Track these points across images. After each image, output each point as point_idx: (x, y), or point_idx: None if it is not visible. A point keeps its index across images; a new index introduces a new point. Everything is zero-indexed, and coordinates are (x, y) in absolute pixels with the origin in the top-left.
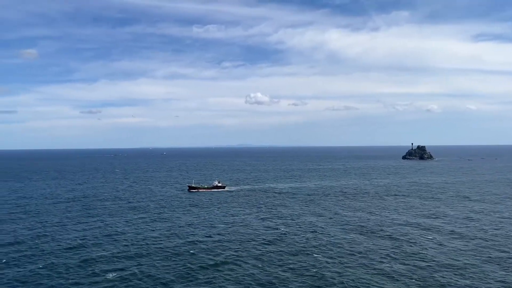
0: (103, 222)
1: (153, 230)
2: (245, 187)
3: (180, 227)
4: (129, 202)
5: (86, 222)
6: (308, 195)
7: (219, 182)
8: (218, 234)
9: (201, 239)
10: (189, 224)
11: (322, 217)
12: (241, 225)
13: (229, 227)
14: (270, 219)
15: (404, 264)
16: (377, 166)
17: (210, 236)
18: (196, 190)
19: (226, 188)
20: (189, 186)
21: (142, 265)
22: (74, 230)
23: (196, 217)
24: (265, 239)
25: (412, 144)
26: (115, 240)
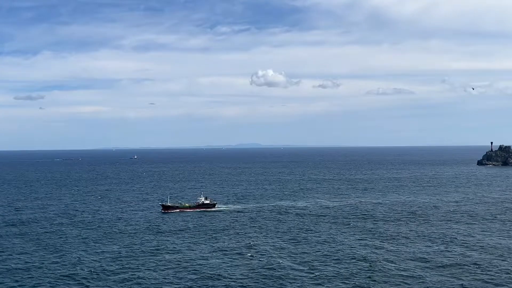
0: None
1: None
2: (247, 205)
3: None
4: (64, 230)
5: None
6: (354, 216)
7: (206, 199)
8: None
9: None
10: (146, 279)
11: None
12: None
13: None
14: (297, 260)
15: None
16: (442, 175)
17: None
18: (173, 211)
19: (217, 207)
20: (163, 205)
21: None
22: None
23: (163, 263)
24: None
25: (491, 143)
26: None
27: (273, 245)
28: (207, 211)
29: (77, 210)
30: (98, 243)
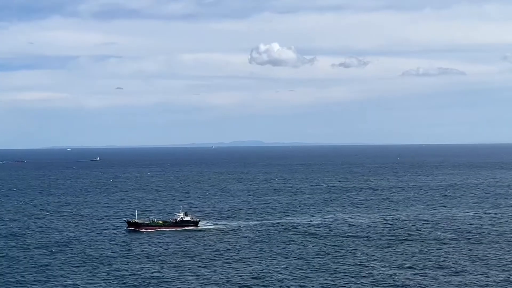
0: None
1: None
2: (244, 222)
3: None
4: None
5: None
6: (392, 236)
7: (186, 215)
8: None
9: None
10: None
11: None
12: None
13: None
14: None
15: None
16: (505, 183)
17: None
18: (142, 230)
19: (201, 225)
20: (128, 222)
21: None
22: None
23: None
24: None
25: None
26: None
27: (285, 274)
28: (187, 230)
29: (25, 228)
30: (50, 272)
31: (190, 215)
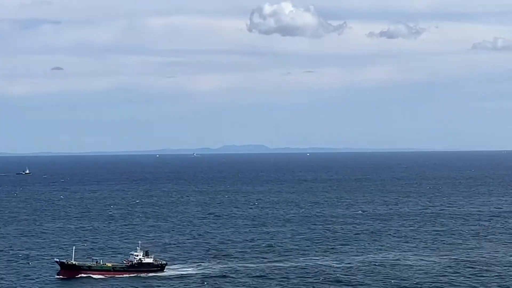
0: None
1: None
2: (235, 265)
3: None
4: None
5: None
6: None
7: (147, 255)
8: None
9: None
10: None
11: None
12: None
13: None
14: None
15: None
16: None
17: None
18: (81, 275)
19: (168, 271)
20: (61, 264)
21: None
22: None
23: None
24: None
25: None
26: None
27: None
28: (147, 278)
29: None
30: None
31: (152, 256)
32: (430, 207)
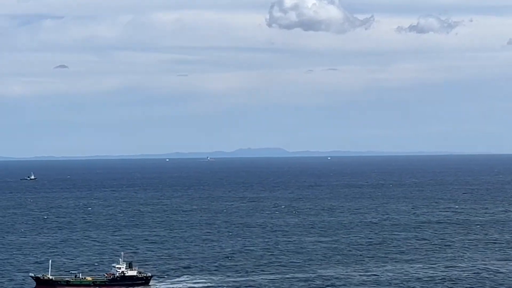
0: None
1: None
2: (228, 279)
3: None
4: None
5: None
6: None
7: (130, 267)
8: None
9: None
10: None
11: None
12: None
13: None
14: None
15: None
16: None
17: None
18: None
19: (154, 284)
20: (37, 279)
21: None
22: None
23: None
24: None
25: None
26: None
27: None
28: None
29: None
30: None
31: (136, 268)
32: None
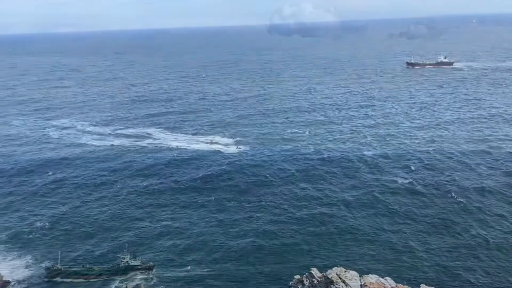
0: None
1: None
2: (216, 267)
3: None
4: None
5: None
6: None
7: (134, 257)
8: None
9: None
10: None
11: None
12: None
13: None
14: None
15: None
16: None
17: None
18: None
19: (156, 272)
20: (47, 269)
21: None
22: None
23: None
24: None
25: None
26: None
27: None
28: (134, 280)
29: None
30: None
31: (139, 258)
32: None
